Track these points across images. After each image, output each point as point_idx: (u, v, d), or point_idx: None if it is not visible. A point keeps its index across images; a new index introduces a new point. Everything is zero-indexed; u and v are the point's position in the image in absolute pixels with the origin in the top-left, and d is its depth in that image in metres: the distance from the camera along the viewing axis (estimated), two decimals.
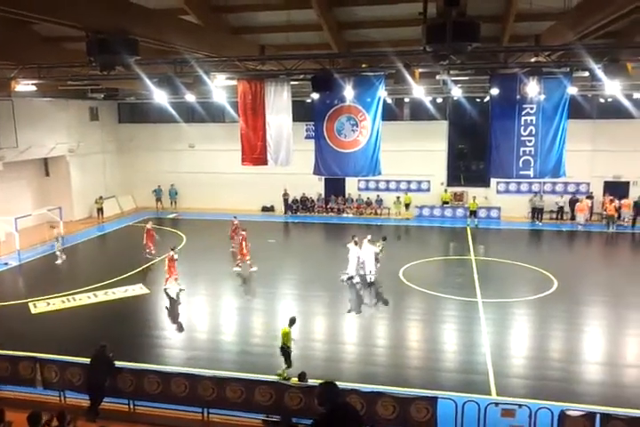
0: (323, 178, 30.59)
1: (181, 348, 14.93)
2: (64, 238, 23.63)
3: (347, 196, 32.64)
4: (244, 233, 21.29)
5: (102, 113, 33.44)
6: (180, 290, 18.89)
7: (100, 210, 31.13)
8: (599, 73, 13.44)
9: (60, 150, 29.89)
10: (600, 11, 11.27)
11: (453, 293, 18.44)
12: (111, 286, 19.27)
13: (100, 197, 31.37)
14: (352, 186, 32.29)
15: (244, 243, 20.98)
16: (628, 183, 28.95)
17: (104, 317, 16.76)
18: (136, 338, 15.17)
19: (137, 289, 19.10)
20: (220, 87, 19.05)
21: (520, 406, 9.48)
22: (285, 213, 32.24)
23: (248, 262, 21.01)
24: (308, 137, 26.09)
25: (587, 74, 14.54)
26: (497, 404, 9.59)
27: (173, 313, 17.55)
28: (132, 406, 10.97)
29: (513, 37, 15.50)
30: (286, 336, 12.44)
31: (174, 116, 29.59)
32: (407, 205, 31.05)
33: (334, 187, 32.51)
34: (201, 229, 28.74)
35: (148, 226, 23.27)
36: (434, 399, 9.49)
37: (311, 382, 11.01)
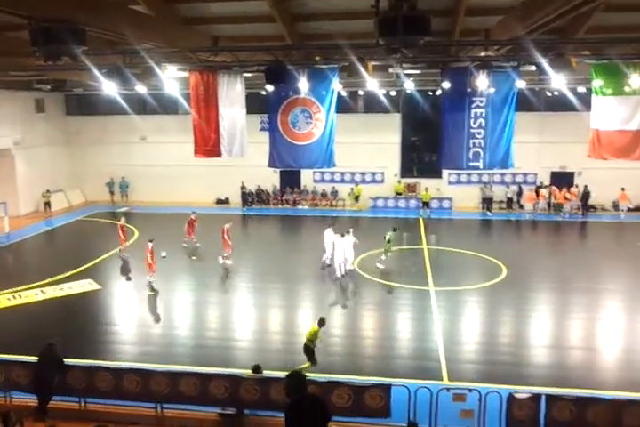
0: (278, 170, 30.54)
1: (134, 343, 14.74)
2: (9, 235, 22.79)
3: (302, 188, 32.71)
4: (227, 226, 20.97)
5: (49, 105, 32.31)
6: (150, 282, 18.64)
7: (48, 204, 30.21)
8: (545, 67, 13.92)
9: (5, 143, 28.77)
10: (546, 6, 11.62)
11: (407, 282, 18.81)
12: (60, 282, 18.76)
13: (48, 191, 30.43)
14: (307, 178, 32.39)
15: (226, 236, 20.70)
16: (573, 173, 30.29)
17: (53, 314, 16.36)
18: (87, 335, 14.85)
19: (86, 285, 18.66)
20: (172, 78, 18.73)
21: (470, 390, 9.79)
22: (243, 206, 32.03)
23: (225, 255, 20.78)
24: (262, 129, 25.97)
25: (534, 68, 15.01)
26: (448, 389, 9.88)
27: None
28: (82, 404, 10.75)
29: (464, 32, 15.75)
30: (315, 335, 12.39)
31: (125, 108, 28.84)
32: (357, 197, 31.34)
33: (290, 179, 32.52)
34: (154, 222, 28.26)
35: (121, 222, 22.27)
36: (387, 387, 9.69)
37: (267, 373, 11.07)
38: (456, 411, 9.61)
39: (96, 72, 15.15)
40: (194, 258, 21.19)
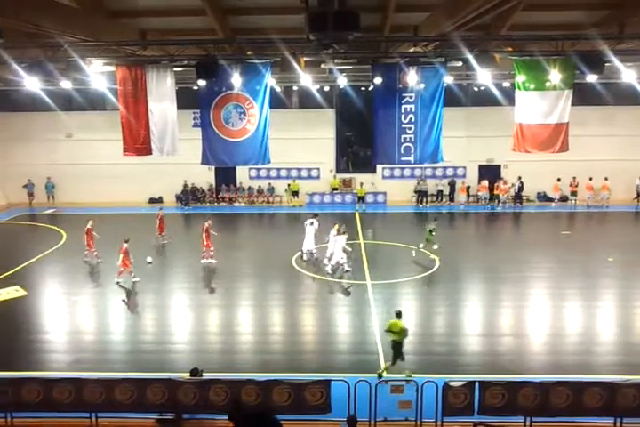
0: (213, 167, 30.10)
1: (65, 351, 14.06)
2: None
3: (238, 185, 32.36)
4: (206, 224, 20.46)
5: None
6: (134, 282, 18.26)
7: None
8: (471, 63, 14.36)
9: None
10: (470, 3, 11.94)
11: (344, 276, 18.96)
12: None
13: None
14: (243, 175, 32.07)
15: (204, 234, 20.21)
16: (499, 166, 31.56)
17: None
18: (12, 345, 14.06)
19: (12, 292, 17.71)
20: (98, 73, 18.05)
21: (408, 381, 9.99)
22: (185, 204, 31.25)
23: (211, 253, 20.34)
24: (195, 125, 25.46)
25: (460, 64, 15.46)
26: (386, 381, 10.03)
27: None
28: (9, 420, 10.14)
29: (394, 28, 15.98)
30: (402, 329, 12.00)
31: (49, 104, 27.63)
32: (295, 193, 31.40)
33: (225, 176, 32.09)
34: (82, 224, 27.04)
35: (89, 225, 21.03)
36: (327, 382, 9.72)
37: (207, 375, 10.88)
38: (395, 402, 9.78)
39: (16, 66, 14.38)
40: (149, 261, 20.50)
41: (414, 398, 9.71)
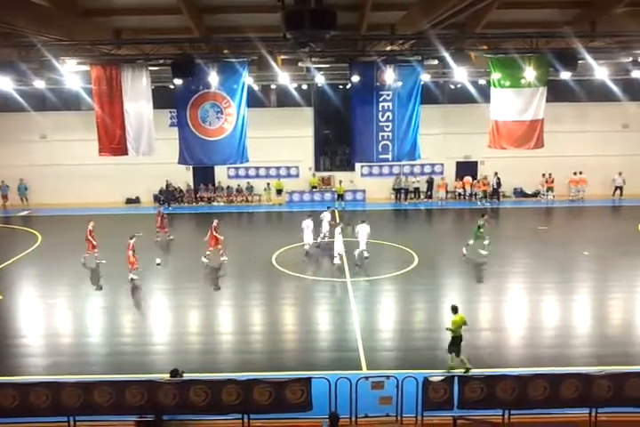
0: (191, 167, 29.89)
1: (41, 355, 13.86)
2: None
3: (217, 184, 32.19)
4: (215, 223, 20.57)
5: None
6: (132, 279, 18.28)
7: None
8: (447, 61, 14.47)
9: None
10: (446, 1, 12.04)
11: (324, 275, 19.05)
12: None
13: None
14: (222, 174, 31.90)
15: (210, 233, 20.30)
16: (476, 163, 31.91)
17: None
18: None
19: None
20: (72, 73, 17.80)
21: (388, 377, 10.03)
22: (168, 205, 30.85)
23: (220, 252, 20.47)
24: (172, 125, 25.19)
25: (436, 62, 15.57)
26: (367, 378, 10.04)
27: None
28: None
29: (371, 26, 16.04)
30: (464, 324, 12.27)
31: (23, 105, 27.21)
32: (279, 191, 31.39)
33: (203, 175, 31.89)
34: (59, 225, 26.83)
35: (90, 226, 20.55)
36: (308, 380, 9.73)
37: (188, 376, 10.83)
38: (375, 399, 9.84)
39: None
40: (158, 263, 20.27)
41: (395, 393, 9.78)
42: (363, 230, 20.30)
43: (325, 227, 22.19)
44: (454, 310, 12.45)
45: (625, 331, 14.63)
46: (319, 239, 22.22)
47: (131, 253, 18.14)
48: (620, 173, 30.51)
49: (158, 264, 19.90)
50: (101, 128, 14.32)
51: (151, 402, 9.79)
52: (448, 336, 12.42)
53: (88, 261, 20.42)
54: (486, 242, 20.58)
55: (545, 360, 12.68)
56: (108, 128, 14.22)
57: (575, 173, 30.62)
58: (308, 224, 21.28)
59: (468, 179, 31.28)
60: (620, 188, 30.73)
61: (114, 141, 14.28)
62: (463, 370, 11.90)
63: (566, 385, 9.75)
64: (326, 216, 22.54)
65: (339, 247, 20.04)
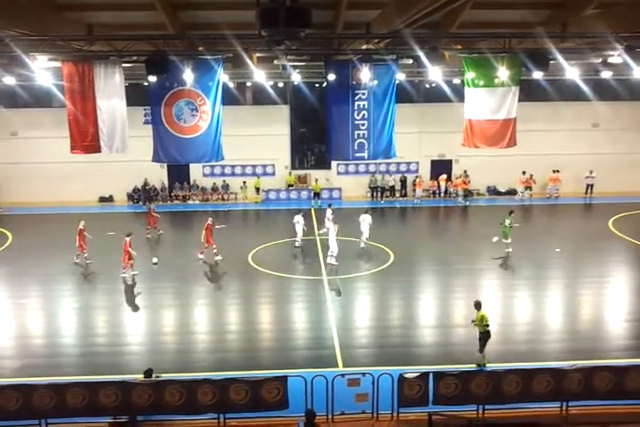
0: (165, 165, 29.59)
1: (11, 357, 13.58)
2: None
3: (192, 182, 31.93)
4: (209, 221, 20.53)
5: None
6: (134, 275, 18.34)
7: None
8: (422, 60, 14.55)
9: None
10: (420, 1, 12.10)
11: (301, 273, 19.06)
12: None
13: None
14: (197, 172, 31.65)
15: (204, 232, 20.26)
16: (450, 161, 32.24)
17: None
18: None
19: None
20: (43, 69, 17.45)
21: (364, 374, 10.10)
22: (144, 203, 30.30)
23: (214, 250, 20.28)
24: (146, 122, 24.89)
25: (411, 61, 15.65)
26: (343, 375, 10.11)
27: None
28: None
29: (346, 24, 16.03)
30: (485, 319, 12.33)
31: None
32: (258, 189, 31.35)
33: (178, 174, 31.59)
34: (30, 224, 26.33)
35: (81, 225, 20.18)
36: (284, 379, 9.74)
37: (165, 376, 10.73)
38: (352, 396, 9.89)
39: None
40: (155, 263, 20.07)
41: (370, 390, 9.84)
42: (365, 220, 21.62)
43: (328, 224, 21.40)
44: (478, 305, 12.56)
45: (595, 326, 14.94)
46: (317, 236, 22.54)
47: (130, 250, 18.14)
48: (591, 172, 31.10)
49: (155, 264, 19.76)
50: (73, 125, 14.04)
51: (125, 403, 9.69)
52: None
53: (81, 261, 20.14)
54: (508, 241, 20.72)
55: (518, 355, 12.87)
56: (80, 125, 13.95)
57: (554, 172, 31.13)
58: (298, 220, 21.72)
59: (443, 176, 31.60)
60: (591, 186, 31.35)
61: (86, 139, 14.02)
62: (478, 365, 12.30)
63: (539, 380, 9.94)
64: (327, 213, 22.94)
65: (333, 247, 19.68)
